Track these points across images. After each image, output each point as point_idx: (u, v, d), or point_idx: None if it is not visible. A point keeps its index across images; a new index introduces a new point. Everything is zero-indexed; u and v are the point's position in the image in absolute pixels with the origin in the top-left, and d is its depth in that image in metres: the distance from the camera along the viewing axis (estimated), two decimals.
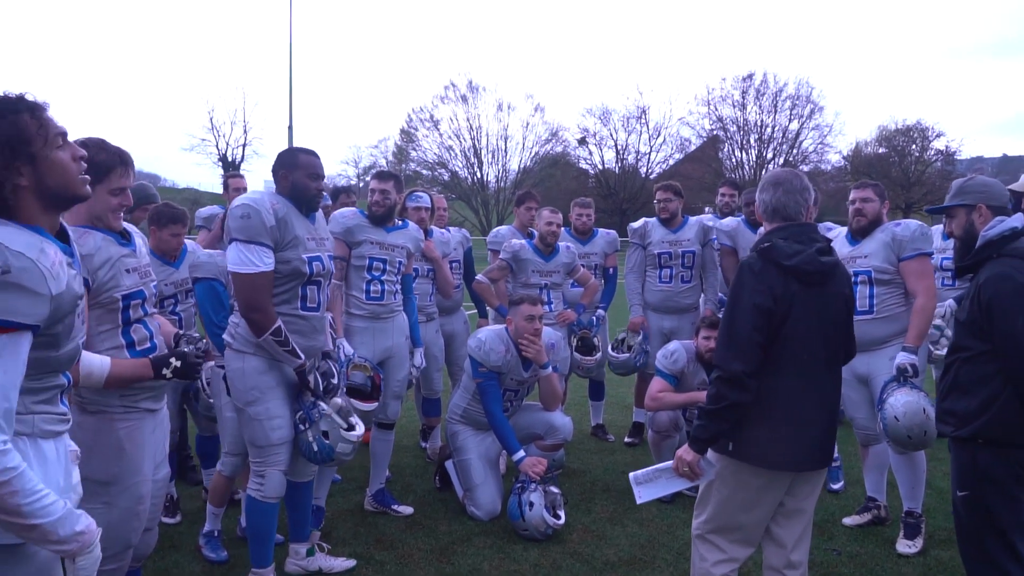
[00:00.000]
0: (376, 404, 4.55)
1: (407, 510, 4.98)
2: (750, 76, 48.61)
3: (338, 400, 3.86)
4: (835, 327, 3.03)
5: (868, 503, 4.85)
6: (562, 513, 4.67)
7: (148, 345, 2.99)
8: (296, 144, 31.94)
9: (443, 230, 6.00)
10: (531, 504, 4.54)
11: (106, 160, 2.83)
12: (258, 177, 62.92)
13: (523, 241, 5.99)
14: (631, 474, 3.21)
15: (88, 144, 2.76)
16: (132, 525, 2.89)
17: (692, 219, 6.33)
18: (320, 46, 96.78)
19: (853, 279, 4.56)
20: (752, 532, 3.09)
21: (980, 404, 2.90)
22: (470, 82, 51.26)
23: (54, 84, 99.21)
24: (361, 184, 51.06)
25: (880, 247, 4.54)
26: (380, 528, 4.75)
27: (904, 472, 4.53)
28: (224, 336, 3.78)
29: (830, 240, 3.07)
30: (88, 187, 2.07)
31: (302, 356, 3.64)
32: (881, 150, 50.22)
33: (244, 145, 56.07)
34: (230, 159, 55.65)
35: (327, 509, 4.82)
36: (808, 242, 2.95)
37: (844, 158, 49.67)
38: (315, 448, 3.68)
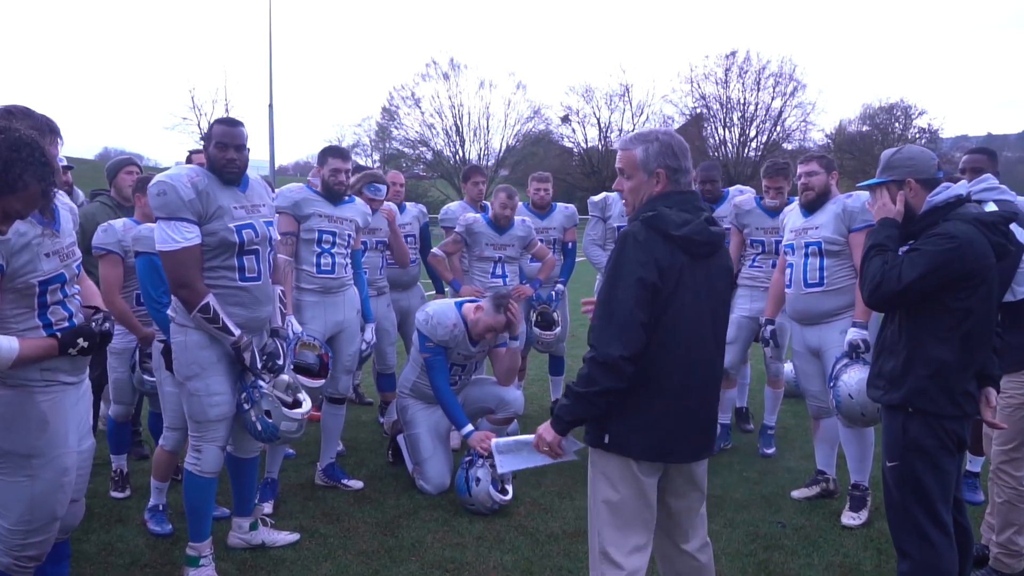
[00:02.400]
0: (323, 381, 4.52)
1: (357, 484, 4.97)
2: (733, 54, 48.62)
3: (284, 377, 3.83)
4: (722, 302, 2.80)
5: (817, 476, 4.87)
6: (509, 488, 4.65)
7: (66, 325, 2.88)
8: (276, 122, 31.53)
9: (391, 204, 5.94)
10: (478, 479, 4.53)
11: (32, 126, 2.70)
12: None
13: (477, 215, 5.95)
14: (493, 441, 3.13)
15: (13, 111, 2.72)
16: (57, 497, 2.84)
17: None
18: (302, 23, 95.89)
19: (804, 251, 4.58)
20: (646, 525, 2.78)
21: (903, 364, 2.91)
22: (452, 59, 51.02)
23: (36, 65, 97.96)
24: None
25: (831, 219, 4.53)
26: (328, 502, 4.73)
27: (852, 445, 4.54)
28: (168, 311, 3.74)
29: (713, 209, 2.90)
30: None
31: (235, 332, 3.59)
32: (864, 128, 50.32)
33: None
34: None
35: (279, 483, 4.79)
36: (695, 211, 2.68)
37: (827, 136, 49.75)
38: (259, 427, 3.67)
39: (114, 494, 4.79)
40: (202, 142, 3.65)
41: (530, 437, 2.96)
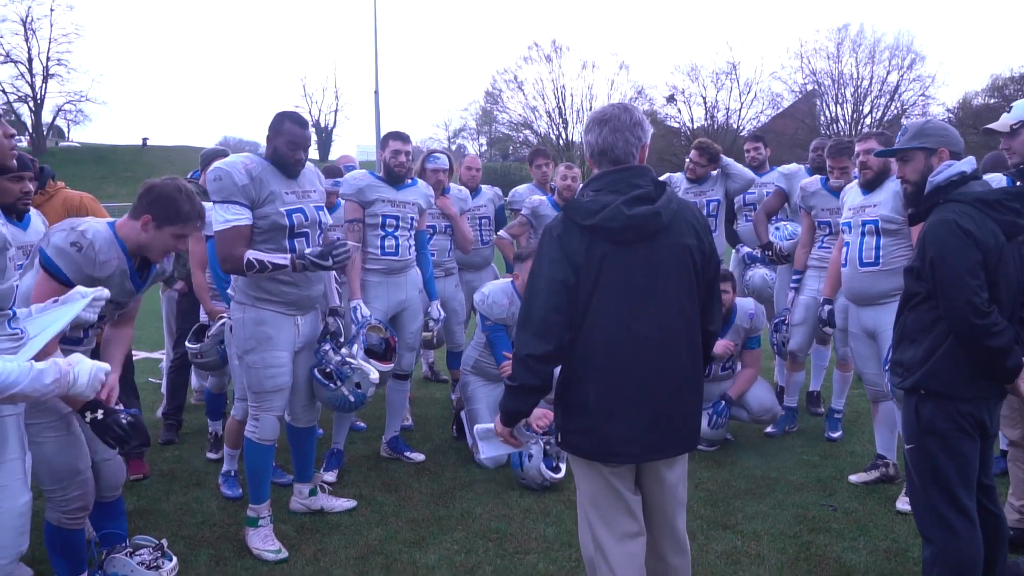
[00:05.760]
0: (391, 365, 4.75)
1: (418, 457, 5.19)
2: (845, 27, 46.72)
3: (346, 351, 4.10)
4: (677, 287, 2.57)
5: (877, 461, 4.78)
6: (563, 466, 4.76)
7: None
8: (383, 108, 32.01)
9: (460, 187, 6.08)
10: (530, 456, 4.65)
11: (189, 211, 3.14)
12: (350, 143, 64.51)
13: (543, 197, 6.05)
14: (476, 427, 3.14)
15: (184, 190, 3.13)
16: (71, 452, 3.04)
17: (714, 172, 6.26)
18: (408, 10, 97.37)
19: (861, 229, 4.49)
20: (629, 512, 2.66)
21: (924, 353, 2.86)
22: (554, 42, 50.85)
23: (161, 60, 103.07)
24: (453, 148, 51.55)
25: (890, 196, 4.42)
26: (390, 473, 4.97)
27: None
28: (228, 289, 4.01)
29: (663, 184, 2.58)
30: (15, 160, 2.49)
31: (286, 260, 3.74)
32: (992, 101, 47.45)
33: (336, 111, 57.37)
34: (323, 125, 56.98)
35: (346, 453, 5.06)
36: (626, 189, 2.49)
37: (949, 111, 47.20)
38: (352, 399, 4.05)
39: (209, 455, 5.25)
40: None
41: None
